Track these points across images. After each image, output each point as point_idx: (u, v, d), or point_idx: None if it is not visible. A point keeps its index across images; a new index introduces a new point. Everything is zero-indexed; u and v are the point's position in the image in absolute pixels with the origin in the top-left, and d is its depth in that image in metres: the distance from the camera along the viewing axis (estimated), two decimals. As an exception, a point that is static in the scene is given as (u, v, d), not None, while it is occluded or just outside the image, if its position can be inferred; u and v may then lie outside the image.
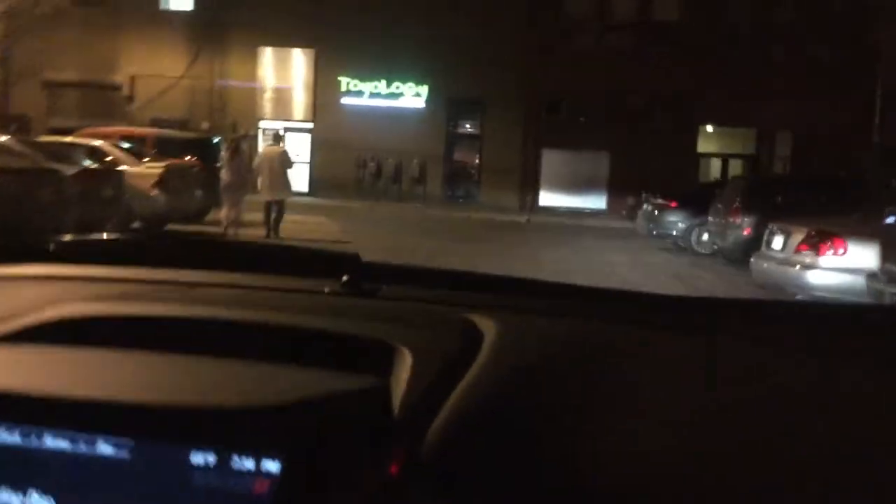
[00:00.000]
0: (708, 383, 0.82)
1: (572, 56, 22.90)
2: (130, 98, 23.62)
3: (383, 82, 23.52)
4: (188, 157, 14.41)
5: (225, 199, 13.72)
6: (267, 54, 23.49)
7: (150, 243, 1.44)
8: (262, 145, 24.07)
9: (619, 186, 23.17)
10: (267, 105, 23.56)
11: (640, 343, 0.91)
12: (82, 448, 0.63)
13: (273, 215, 13.80)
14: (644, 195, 15.77)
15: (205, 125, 23.82)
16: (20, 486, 0.62)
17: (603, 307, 1.10)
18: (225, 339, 0.81)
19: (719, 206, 12.80)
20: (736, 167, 24.03)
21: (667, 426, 0.72)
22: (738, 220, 11.83)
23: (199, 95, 23.51)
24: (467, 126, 24.49)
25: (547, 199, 24.00)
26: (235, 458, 0.60)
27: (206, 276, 1.11)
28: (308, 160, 23.99)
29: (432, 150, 23.51)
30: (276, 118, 23.71)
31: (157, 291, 1.01)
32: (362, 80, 23.52)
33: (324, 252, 1.27)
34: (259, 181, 14.04)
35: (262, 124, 23.90)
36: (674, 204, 14.60)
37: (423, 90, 23.50)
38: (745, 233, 11.65)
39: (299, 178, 23.91)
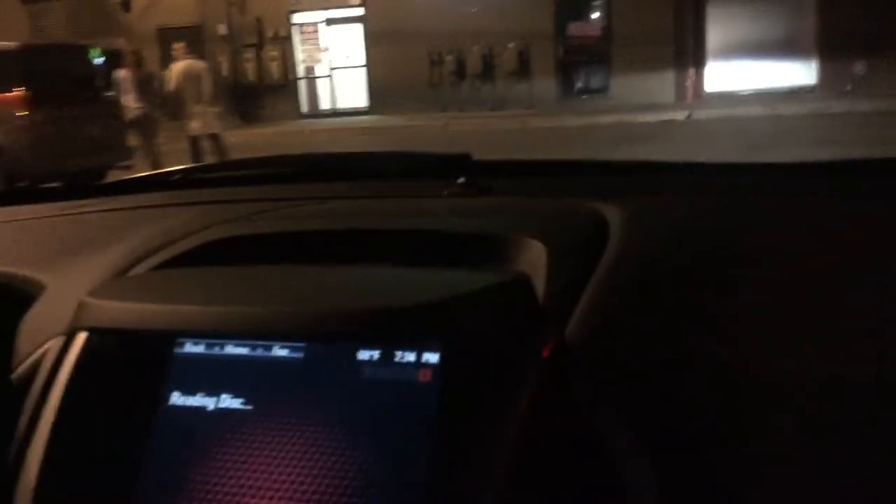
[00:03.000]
0: (872, 256, 0.77)
1: None
2: (126, 4, 17.38)
3: (454, -68, 15.80)
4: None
5: (138, 140, 9.43)
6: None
7: (264, 163, 1.45)
8: (298, 47, 17.38)
9: (837, 47, 14.40)
10: (300, -10, 16.59)
11: (787, 212, 0.88)
12: (260, 353, 0.70)
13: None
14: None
15: (221, 29, 17.28)
16: (211, 391, 0.70)
17: (736, 179, 1.05)
18: (363, 248, 0.85)
19: None
20: None
21: (823, 308, 0.71)
22: None
23: (211, -10, 16.99)
24: (586, -18, 16.51)
25: (720, 79, 16.28)
26: (398, 352, 0.66)
27: (327, 189, 1.17)
28: (363, 62, 16.89)
29: (535, 27, 16.38)
30: (313, 6, 16.75)
31: (289, 208, 1.06)
32: (423, -68, 15.91)
33: (433, 155, 1.22)
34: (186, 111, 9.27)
35: (297, 18, 16.98)
36: None
37: (514, -66, 15.55)
38: None
39: (353, 90, 17.09)
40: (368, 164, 1.34)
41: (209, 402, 0.70)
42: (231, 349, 0.71)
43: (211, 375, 0.71)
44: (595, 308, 0.72)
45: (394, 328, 0.67)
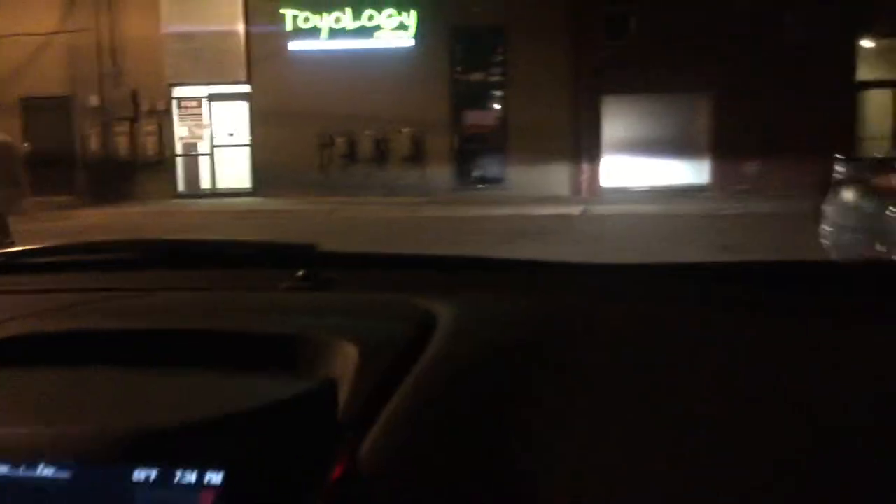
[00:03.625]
0: (701, 364, 0.77)
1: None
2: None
3: (348, 13, 15.55)
4: None
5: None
6: (172, -14, 15.50)
7: (94, 248, 1.39)
8: (177, 122, 16.28)
9: (729, 147, 14.66)
10: (180, 62, 15.55)
11: (618, 318, 0.88)
12: (22, 473, 0.65)
13: None
14: (846, 166, 6.75)
15: (93, 100, 16.03)
16: None
17: (574, 280, 1.07)
18: (170, 349, 0.83)
19: None
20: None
21: (652, 426, 0.69)
22: None
23: (83, 58, 15.86)
24: (483, 71, 16.51)
25: (615, 174, 16.32)
26: (178, 472, 0.63)
27: (153, 278, 1.16)
28: (248, 141, 15.92)
29: (432, 113, 16.04)
30: (195, 80, 15.81)
31: (101, 301, 1.03)
32: (316, 11, 15.41)
33: (278, 245, 1.24)
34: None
35: (177, 92, 15.90)
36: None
37: (411, 19, 15.41)
38: None
39: (236, 170, 16.07)
40: (210, 252, 1.31)
41: None
42: None
43: None
44: (398, 419, 0.68)
45: (170, 449, 0.63)
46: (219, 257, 1.26)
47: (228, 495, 0.60)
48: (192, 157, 16.65)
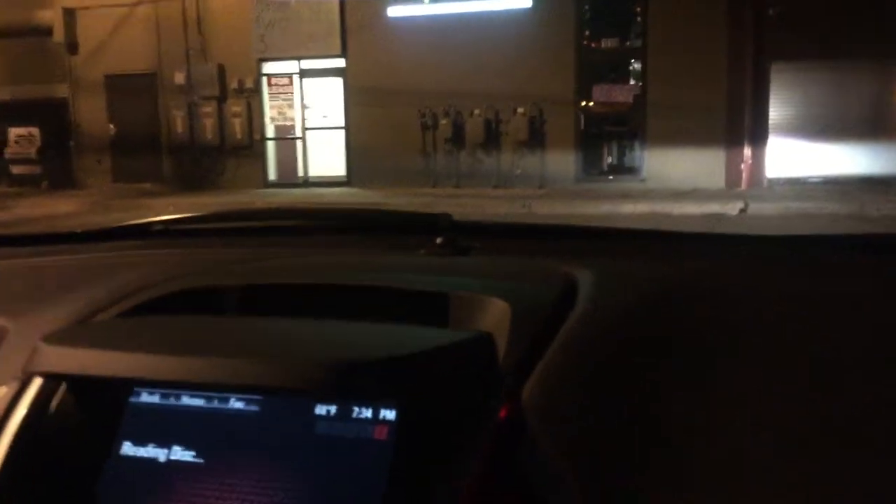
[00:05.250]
0: (834, 331, 0.79)
1: None
2: (72, 45, 14.84)
3: (455, -30, 13.15)
4: None
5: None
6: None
7: (245, 215, 1.55)
8: (267, 102, 14.65)
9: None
10: (270, 34, 13.89)
11: (752, 282, 0.92)
12: (216, 405, 0.70)
13: None
14: None
15: (179, 77, 14.62)
16: (164, 442, 0.71)
17: (707, 248, 1.13)
18: (333, 302, 0.88)
19: None
20: None
21: (782, 378, 0.73)
22: None
23: (169, 30, 14.44)
24: (618, 36, 13.68)
25: (785, 161, 13.10)
26: (355, 408, 0.67)
27: (305, 242, 1.26)
28: (342, 123, 14.06)
29: (553, 89, 13.41)
30: (286, 55, 14.20)
31: (266, 260, 1.11)
32: (419, -30, 13.27)
33: (415, 214, 1.31)
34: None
35: (267, 68, 14.25)
36: None
37: (529, -24, 12.92)
38: None
39: (330, 156, 14.30)
40: (351, 219, 1.38)
41: (161, 454, 0.70)
42: (186, 400, 0.71)
43: (165, 426, 0.71)
44: (553, 371, 0.73)
45: (350, 383, 0.67)
46: (360, 224, 1.34)
47: (401, 430, 0.65)
48: (283, 140, 14.92)
